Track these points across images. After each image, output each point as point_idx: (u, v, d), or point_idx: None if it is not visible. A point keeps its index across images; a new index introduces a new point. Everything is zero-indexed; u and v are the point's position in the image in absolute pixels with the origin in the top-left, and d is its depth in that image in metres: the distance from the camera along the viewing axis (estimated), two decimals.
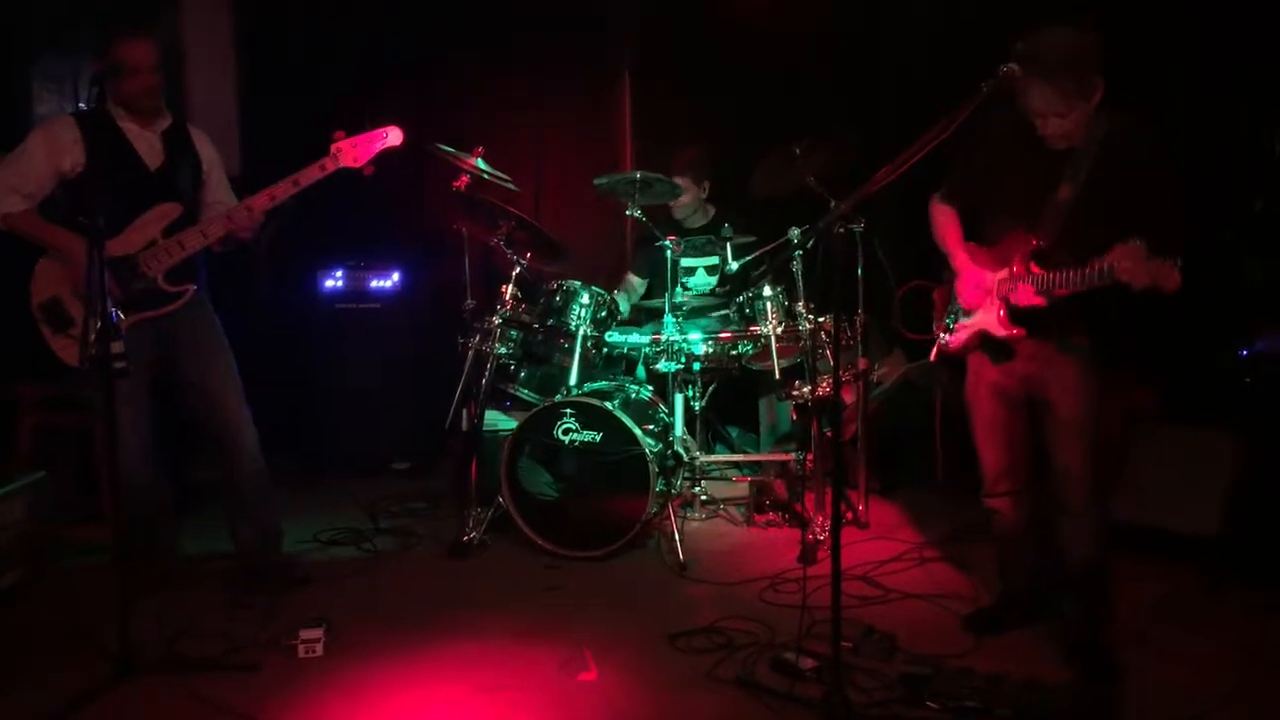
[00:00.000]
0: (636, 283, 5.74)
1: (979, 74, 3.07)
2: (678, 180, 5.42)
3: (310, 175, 3.93)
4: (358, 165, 3.99)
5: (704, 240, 5.14)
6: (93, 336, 3.29)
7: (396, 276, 5.82)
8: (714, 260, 5.35)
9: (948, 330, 3.57)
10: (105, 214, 3.60)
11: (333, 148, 3.97)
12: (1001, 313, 3.34)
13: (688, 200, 5.53)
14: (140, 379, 3.84)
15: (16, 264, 3.87)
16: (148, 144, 3.93)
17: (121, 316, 3.76)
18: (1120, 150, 3.16)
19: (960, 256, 3.50)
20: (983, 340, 3.46)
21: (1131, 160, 3.15)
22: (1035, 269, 3.24)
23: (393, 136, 4.05)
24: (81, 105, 3.76)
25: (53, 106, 5.48)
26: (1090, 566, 3.40)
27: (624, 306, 5.33)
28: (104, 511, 4.48)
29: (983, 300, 3.43)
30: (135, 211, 3.84)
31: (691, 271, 5.45)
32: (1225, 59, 4.68)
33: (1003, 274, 3.35)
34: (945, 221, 3.58)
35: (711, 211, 5.64)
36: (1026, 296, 3.25)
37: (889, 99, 5.69)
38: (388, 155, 6.00)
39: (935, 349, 3.63)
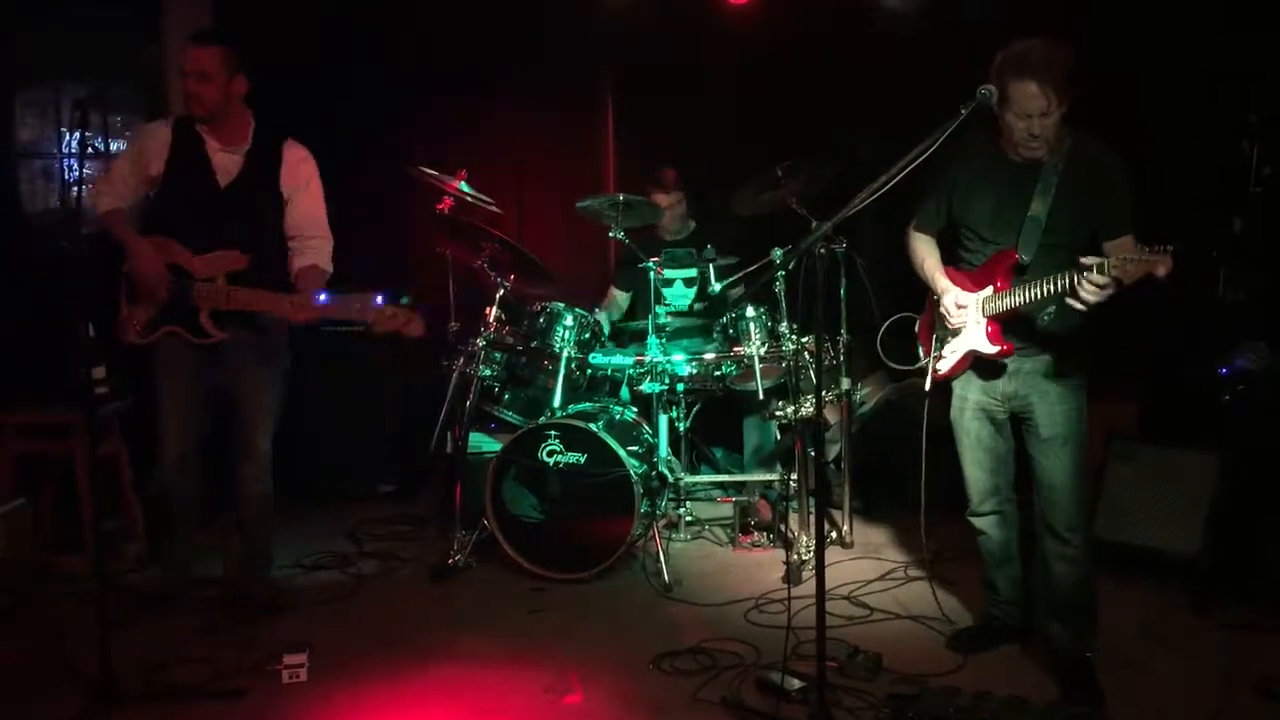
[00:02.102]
0: (620, 297, 5.73)
1: (956, 97, 3.13)
2: (669, 194, 5.46)
3: (369, 306, 3.88)
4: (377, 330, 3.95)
5: (684, 253, 5.15)
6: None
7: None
8: (693, 273, 5.35)
9: (938, 357, 3.60)
10: (173, 222, 3.81)
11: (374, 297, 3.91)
12: (989, 329, 3.38)
13: (679, 212, 5.57)
14: (196, 384, 3.94)
15: None
16: (225, 161, 3.93)
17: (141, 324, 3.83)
18: (1086, 164, 3.26)
19: (941, 281, 3.54)
20: (973, 361, 3.49)
21: (1097, 170, 3.26)
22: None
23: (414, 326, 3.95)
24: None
25: (35, 133, 5.50)
26: (1076, 585, 3.41)
27: (605, 324, 5.32)
28: (86, 539, 4.46)
29: (968, 320, 3.46)
30: (203, 224, 3.86)
31: (670, 283, 5.45)
32: (1206, 81, 4.74)
33: (987, 291, 3.39)
34: (923, 250, 3.63)
35: (692, 225, 5.66)
36: (1010, 308, 3.29)
37: (867, 122, 5.73)
38: (371, 178, 6.01)
39: (929, 378, 3.64)
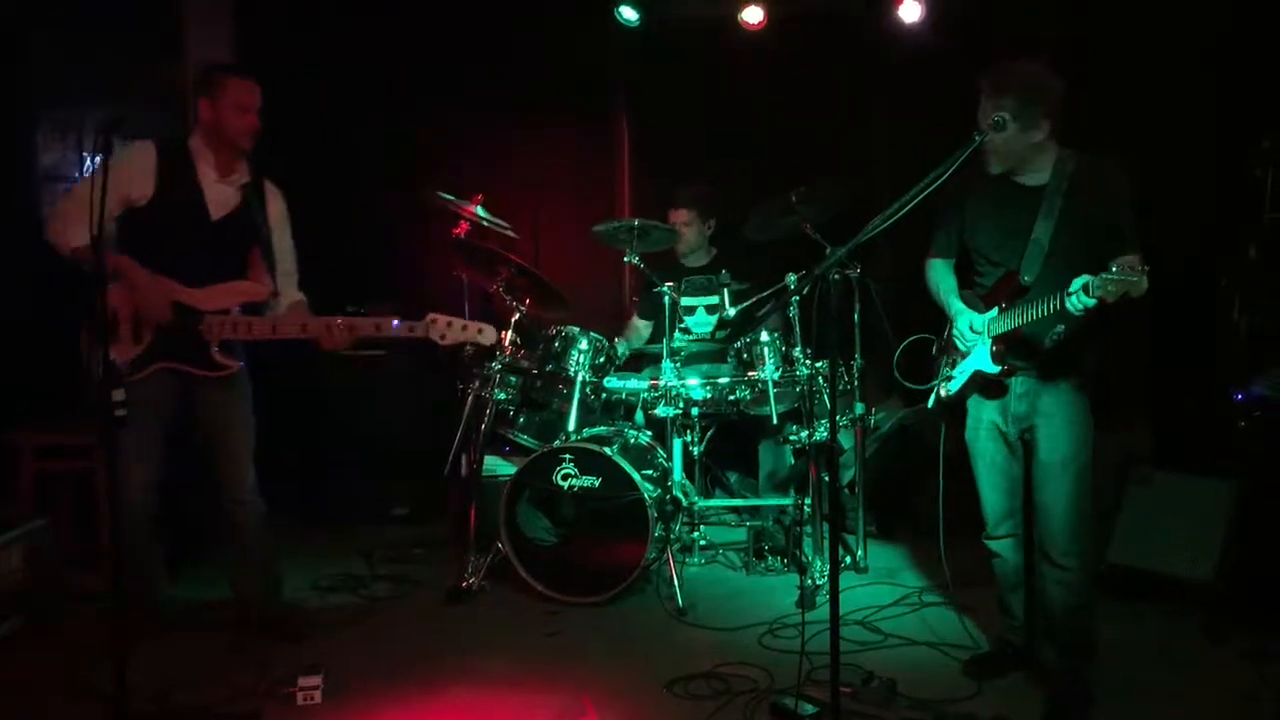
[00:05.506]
0: (641, 325, 5.72)
1: (969, 125, 3.15)
2: (680, 211, 5.44)
3: (395, 330, 3.92)
4: (444, 343, 3.94)
5: (704, 280, 5.16)
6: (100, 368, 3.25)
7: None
8: (714, 300, 5.34)
9: (946, 378, 3.61)
10: (158, 251, 3.71)
11: (429, 316, 3.90)
12: (994, 349, 3.39)
13: (691, 234, 5.47)
14: (159, 417, 3.84)
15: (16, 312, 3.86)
16: (218, 193, 3.89)
17: (125, 362, 3.77)
18: (1088, 184, 3.30)
19: (956, 304, 3.57)
20: (980, 381, 3.50)
21: (1099, 191, 3.29)
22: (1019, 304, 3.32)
23: (487, 334, 3.98)
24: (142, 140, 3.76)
25: (56, 156, 5.54)
26: (1071, 611, 3.39)
27: (621, 350, 5.32)
28: (103, 558, 4.47)
29: (976, 341, 3.48)
30: (193, 256, 3.81)
31: (692, 310, 5.45)
32: (1219, 107, 4.75)
33: (992, 313, 3.41)
34: (938, 276, 3.67)
35: (714, 252, 5.63)
36: (1013, 328, 3.31)
37: (882, 147, 5.76)
38: (387, 202, 6.03)
39: (934, 396, 3.66)
